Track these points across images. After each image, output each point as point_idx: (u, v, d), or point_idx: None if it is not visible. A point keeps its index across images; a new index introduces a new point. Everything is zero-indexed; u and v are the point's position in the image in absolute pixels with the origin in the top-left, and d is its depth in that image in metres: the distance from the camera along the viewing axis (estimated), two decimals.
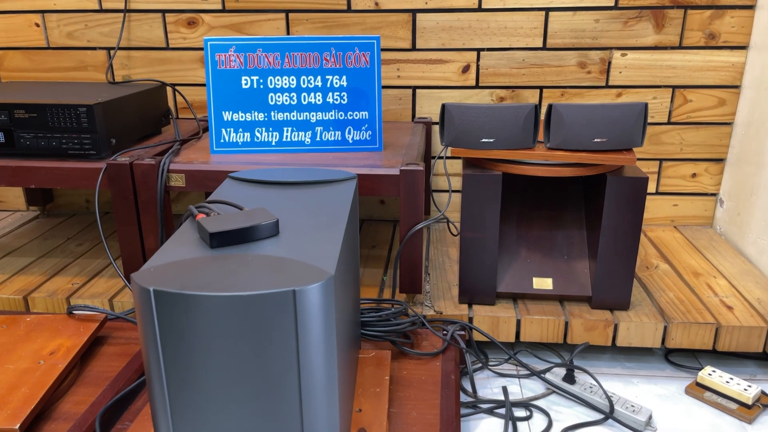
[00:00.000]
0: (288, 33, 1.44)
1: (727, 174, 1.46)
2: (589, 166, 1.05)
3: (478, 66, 1.44)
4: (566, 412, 1.01)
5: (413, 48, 1.43)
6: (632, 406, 0.99)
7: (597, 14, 1.38)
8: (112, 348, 1.05)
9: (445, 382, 0.96)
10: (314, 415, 0.58)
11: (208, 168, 1.09)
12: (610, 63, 1.41)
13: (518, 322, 1.11)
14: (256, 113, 1.16)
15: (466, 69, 1.44)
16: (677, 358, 1.16)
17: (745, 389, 1.01)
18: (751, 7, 1.35)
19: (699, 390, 1.05)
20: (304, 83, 1.16)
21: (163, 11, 1.45)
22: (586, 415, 1.00)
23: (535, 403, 1.03)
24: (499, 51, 1.42)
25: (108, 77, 1.52)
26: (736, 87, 1.41)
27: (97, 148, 1.11)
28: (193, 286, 0.54)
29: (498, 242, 1.10)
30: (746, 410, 1.00)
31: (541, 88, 1.44)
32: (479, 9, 1.39)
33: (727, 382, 1.03)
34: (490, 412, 1.01)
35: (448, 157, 1.51)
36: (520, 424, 0.98)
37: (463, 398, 1.04)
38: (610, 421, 0.99)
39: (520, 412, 1.01)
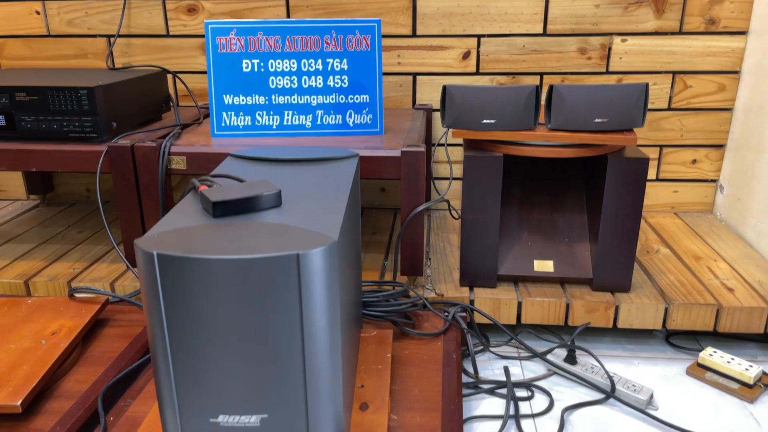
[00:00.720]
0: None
1: (727, 160, 1.46)
2: (590, 146, 1.05)
3: (478, 52, 1.44)
4: (568, 393, 1.01)
5: (413, 34, 1.44)
6: (633, 385, 0.99)
7: None
8: (114, 330, 1.05)
9: (446, 360, 0.96)
10: (317, 379, 0.58)
11: (209, 150, 1.09)
12: (610, 49, 1.41)
13: (519, 305, 1.11)
14: (256, 97, 1.16)
15: (466, 55, 1.44)
16: (678, 340, 1.16)
17: (747, 369, 1.01)
18: None
19: (700, 371, 1.05)
20: (304, 67, 1.16)
21: None
22: (587, 395, 1.01)
23: (536, 383, 1.03)
24: (500, 37, 1.42)
25: (108, 64, 1.52)
26: (736, 72, 1.41)
27: (98, 130, 1.11)
28: (197, 250, 0.54)
29: (499, 225, 1.10)
30: (748, 390, 1.00)
31: (541, 74, 1.44)
32: None
33: (729, 362, 1.03)
34: (492, 392, 1.01)
35: (449, 144, 1.51)
36: (521, 404, 0.98)
37: (465, 379, 1.04)
38: (611, 400, 0.99)
39: (521, 392, 1.01)
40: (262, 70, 1.16)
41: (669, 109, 1.45)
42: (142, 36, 1.49)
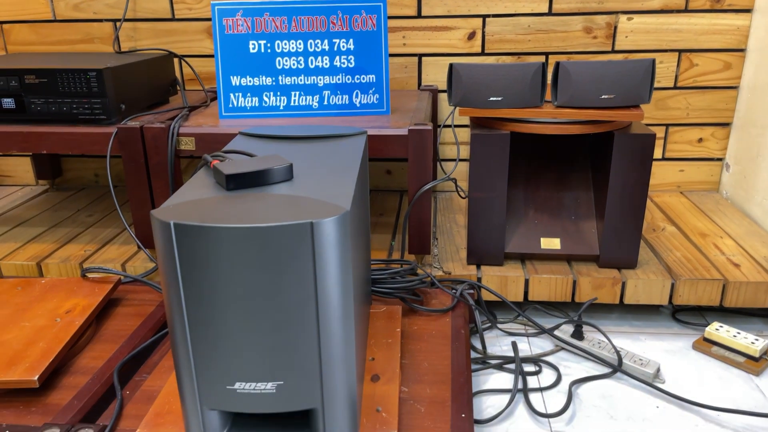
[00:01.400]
0: None
1: (733, 138, 1.46)
2: (596, 123, 1.06)
3: (483, 32, 1.44)
4: (575, 367, 1.02)
5: (419, 15, 1.44)
6: (640, 359, 1.00)
7: None
8: (127, 309, 1.06)
9: (455, 336, 0.97)
10: (331, 346, 0.59)
11: (218, 131, 1.10)
12: (616, 27, 1.41)
13: (526, 282, 1.12)
14: (263, 78, 1.17)
15: (471, 36, 1.44)
16: (684, 316, 1.17)
17: (753, 342, 1.02)
18: None
19: (706, 345, 1.06)
20: (311, 47, 1.16)
21: None
22: (594, 369, 1.02)
23: (544, 358, 1.04)
24: (505, 17, 1.42)
25: (115, 48, 1.53)
26: (742, 50, 1.41)
27: (107, 112, 1.12)
28: (213, 220, 0.55)
29: (506, 203, 1.11)
30: (754, 363, 1.01)
31: (546, 54, 1.44)
32: None
33: (735, 336, 1.04)
34: (500, 367, 1.02)
35: (456, 125, 1.51)
36: (529, 378, 1.00)
37: (473, 355, 1.05)
38: (618, 374, 1.00)
39: (529, 368, 1.02)
40: (269, 50, 1.16)
41: (675, 87, 1.45)
42: (148, 20, 1.50)
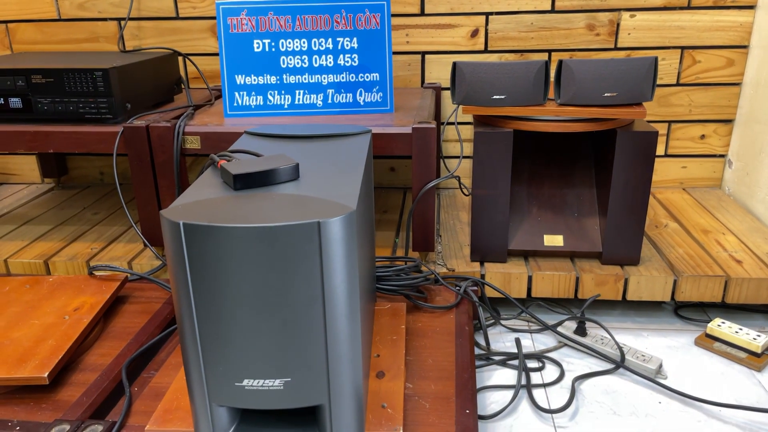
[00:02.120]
0: None
1: (736, 134, 1.47)
2: (599, 121, 1.06)
3: (486, 30, 1.44)
4: (578, 363, 1.03)
5: (422, 13, 1.44)
6: (643, 355, 1.01)
7: None
8: (134, 306, 1.07)
9: (459, 332, 0.98)
10: (338, 343, 0.60)
11: (223, 130, 1.11)
12: (618, 24, 1.41)
13: (529, 278, 1.13)
14: (268, 76, 1.18)
15: (474, 33, 1.45)
16: (687, 312, 1.18)
17: (755, 338, 1.03)
18: None
19: (708, 341, 1.07)
20: (315, 46, 1.17)
21: None
22: (597, 365, 1.03)
23: (547, 354, 1.05)
24: (508, 15, 1.43)
25: (119, 47, 1.53)
26: (744, 47, 1.41)
27: (114, 112, 1.13)
28: (221, 219, 0.56)
29: (509, 200, 1.12)
30: (756, 359, 1.02)
31: (549, 51, 1.45)
32: None
33: (737, 332, 1.05)
34: (504, 363, 1.03)
35: (459, 123, 1.52)
36: (533, 374, 1.00)
37: (477, 352, 1.06)
38: (621, 370, 1.01)
39: (532, 364, 1.03)
40: (273, 49, 1.17)
41: (677, 84, 1.45)
42: (152, 19, 1.50)
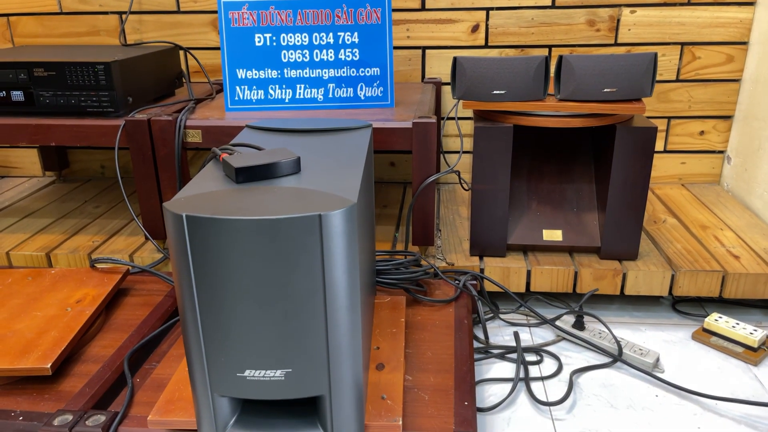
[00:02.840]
0: None
1: (735, 131, 1.47)
2: (598, 116, 1.07)
3: (487, 25, 1.45)
4: (576, 357, 1.04)
5: (423, 8, 1.44)
6: (640, 349, 1.02)
7: None
8: (135, 299, 1.08)
9: (458, 325, 0.99)
10: (338, 334, 0.61)
11: (224, 124, 1.11)
12: (619, 20, 1.42)
13: (528, 273, 1.14)
14: (269, 71, 1.18)
15: (475, 28, 1.45)
16: (684, 307, 1.19)
17: (751, 333, 1.04)
18: None
19: (705, 335, 1.08)
20: (316, 40, 1.17)
21: None
22: (595, 359, 1.03)
23: (545, 348, 1.06)
24: (508, 10, 1.43)
25: (121, 41, 1.54)
26: (744, 43, 1.42)
27: (115, 105, 1.13)
28: (224, 212, 0.57)
29: (509, 195, 1.12)
30: (752, 353, 1.03)
31: (550, 47, 1.45)
32: None
33: (734, 327, 1.05)
34: (502, 357, 1.04)
35: (459, 118, 1.52)
36: (531, 368, 1.01)
37: (476, 345, 1.07)
38: (618, 363, 1.02)
39: (531, 357, 1.04)
40: (275, 44, 1.17)
41: (677, 80, 1.46)
42: (154, 12, 1.51)
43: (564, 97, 1.05)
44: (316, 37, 1.17)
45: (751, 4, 1.38)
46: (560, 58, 1.04)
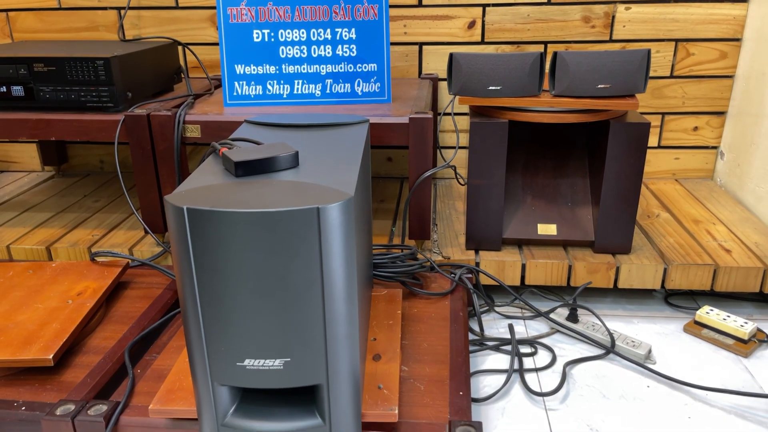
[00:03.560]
0: None
1: (728, 126, 1.49)
2: (592, 112, 1.08)
3: (483, 21, 1.46)
4: (569, 349, 1.06)
5: (419, 4, 1.45)
6: (632, 341, 1.04)
7: None
8: (135, 292, 1.09)
9: (453, 318, 1.00)
10: (336, 324, 0.62)
11: (223, 119, 1.12)
12: (614, 17, 1.43)
13: (523, 266, 1.16)
14: (267, 66, 1.19)
15: (471, 25, 1.46)
16: (676, 300, 1.21)
17: (742, 325, 1.05)
18: None
19: (697, 328, 1.09)
20: (313, 36, 1.18)
21: None
22: (588, 351, 1.05)
23: (540, 340, 1.08)
24: (504, 6, 1.44)
25: (119, 37, 1.54)
26: (738, 40, 1.43)
27: (115, 100, 1.14)
28: (224, 204, 0.58)
29: (504, 189, 1.14)
30: (742, 345, 1.04)
31: (545, 43, 1.46)
32: None
33: (725, 319, 1.07)
34: (497, 349, 1.06)
35: (455, 113, 1.53)
36: (525, 359, 1.03)
37: (471, 338, 1.08)
38: (611, 355, 1.03)
39: (525, 349, 1.06)
40: (272, 39, 1.18)
41: (671, 76, 1.47)
42: (152, 8, 1.51)
43: (558, 93, 1.07)
44: (313, 33, 1.18)
45: (744, 1, 1.40)
46: (555, 54, 1.05)
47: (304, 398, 0.68)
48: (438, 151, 1.54)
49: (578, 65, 1.04)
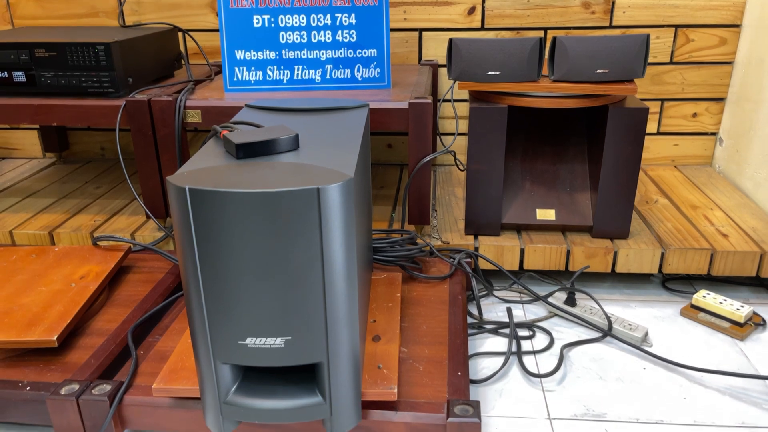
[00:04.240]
0: None
1: (727, 113, 1.49)
2: (591, 97, 1.09)
3: (483, 7, 1.46)
4: (567, 332, 1.07)
5: None
6: (629, 324, 1.05)
7: None
8: (137, 276, 1.11)
9: (452, 301, 1.01)
10: (336, 303, 0.63)
11: (224, 104, 1.13)
12: (613, 3, 1.43)
13: (522, 251, 1.17)
14: (267, 52, 1.20)
15: (471, 11, 1.46)
16: (674, 285, 1.22)
17: (738, 309, 1.06)
18: None
19: (693, 311, 1.11)
20: (313, 21, 1.19)
21: None
22: (586, 334, 1.06)
23: (538, 324, 1.09)
24: None
25: (120, 22, 1.55)
26: (737, 26, 1.43)
27: (116, 86, 1.15)
28: (226, 185, 0.59)
29: (503, 175, 1.14)
30: (738, 328, 1.06)
31: (545, 29, 1.47)
32: None
33: (721, 303, 1.08)
34: (495, 332, 1.07)
35: (455, 100, 1.54)
36: (523, 342, 1.04)
37: (470, 321, 1.10)
38: (608, 338, 1.05)
39: (523, 332, 1.07)
40: (273, 25, 1.19)
41: (671, 63, 1.48)
42: None
43: (558, 78, 1.07)
44: (313, 18, 1.19)
45: None
46: (554, 39, 1.05)
47: (304, 376, 0.70)
48: (438, 137, 1.55)
49: (577, 50, 1.04)
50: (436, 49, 1.50)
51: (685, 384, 0.94)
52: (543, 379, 0.95)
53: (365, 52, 1.20)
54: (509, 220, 1.19)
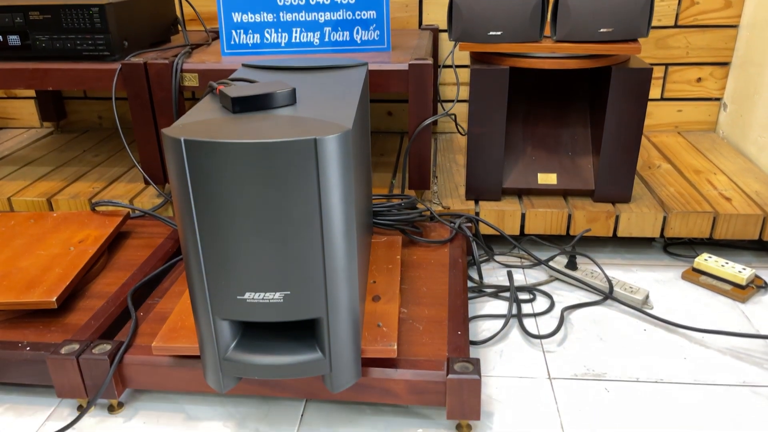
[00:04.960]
0: None
1: (732, 77, 1.47)
2: (594, 57, 1.07)
3: None
4: (568, 296, 1.07)
5: None
6: (630, 287, 1.05)
7: None
8: (136, 241, 1.10)
9: (453, 264, 1.01)
10: (335, 257, 0.63)
11: (221, 67, 1.11)
12: None
13: (523, 216, 1.16)
14: (265, 14, 1.18)
15: None
16: (676, 249, 1.21)
17: (740, 271, 1.06)
18: None
19: (695, 275, 1.10)
20: None
21: None
22: (587, 297, 1.06)
23: (538, 287, 1.09)
24: None
25: None
26: None
27: (111, 48, 1.13)
28: (221, 136, 0.58)
29: (504, 139, 1.13)
30: (740, 291, 1.05)
31: None
32: None
33: (723, 265, 1.08)
34: (496, 295, 1.07)
35: (456, 66, 1.52)
36: (523, 306, 1.04)
37: (470, 285, 1.09)
38: (609, 301, 1.04)
39: (524, 296, 1.07)
40: None
41: (675, 26, 1.45)
42: None
43: (560, 38, 1.05)
44: None
45: None
46: None
47: (304, 333, 0.69)
48: (439, 104, 1.53)
49: (580, 9, 1.02)
50: (436, 14, 1.48)
51: (686, 345, 0.93)
52: (543, 341, 0.95)
53: (364, 14, 1.18)
54: (510, 184, 1.18)
